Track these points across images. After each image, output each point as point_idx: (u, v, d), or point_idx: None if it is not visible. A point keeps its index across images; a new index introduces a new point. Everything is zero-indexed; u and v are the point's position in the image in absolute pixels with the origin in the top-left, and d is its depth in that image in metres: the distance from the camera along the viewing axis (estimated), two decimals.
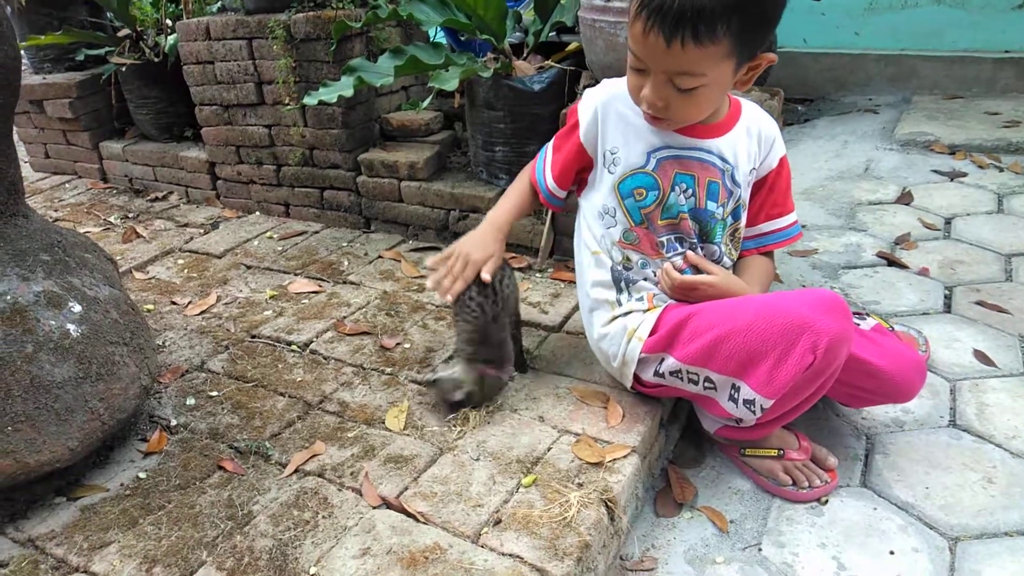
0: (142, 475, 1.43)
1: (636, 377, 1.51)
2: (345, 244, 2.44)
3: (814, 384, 1.32)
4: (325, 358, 1.79)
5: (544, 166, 1.59)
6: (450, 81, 1.92)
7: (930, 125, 3.47)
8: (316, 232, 2.57)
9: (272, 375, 1.73)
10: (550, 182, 1.57)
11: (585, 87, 2.13)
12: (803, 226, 2.69)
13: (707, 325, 1.35)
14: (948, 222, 2.69)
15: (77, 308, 1.35)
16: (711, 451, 1.65)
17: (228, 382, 1.72)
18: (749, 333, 1.29)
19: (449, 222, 2.36)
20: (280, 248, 2.45)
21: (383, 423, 1.54)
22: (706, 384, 1.39)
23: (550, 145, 1.59)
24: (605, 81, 1.52)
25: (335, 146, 2.47)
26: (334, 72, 2.31)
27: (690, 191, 1.45)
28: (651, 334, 1.43)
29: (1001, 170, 3.08)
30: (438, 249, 2.36)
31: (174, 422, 1.59)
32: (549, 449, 1.44)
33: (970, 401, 1.75)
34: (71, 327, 1.33)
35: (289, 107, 2.34)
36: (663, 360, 1.43)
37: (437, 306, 2.01)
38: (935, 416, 1.71)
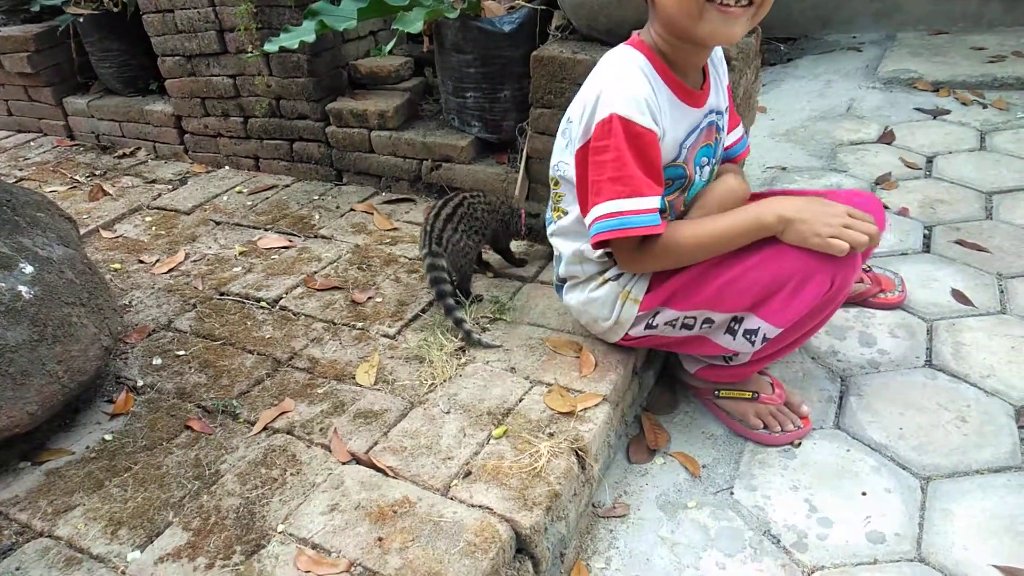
0: (108, 437, 1.41)
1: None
2: (316, 197, 2.39)
3: (823, 312, 1.34)
4: (295, 314, 1.76)
5: (639, 198, 1.26)
6: (414, 22, 1.84)
7: (914, 62, 3.40)
8: (287, 186, 2.51)
9: (241, 333, 1.70)
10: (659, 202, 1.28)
11: (558, 27, 2.06)
12: (783, 168, 2.65)
13: (713, 273, 1.31)
14: (930, 161, 2.65)
15: (28, 269, 1.31)
16: (685, 397, 1.64)
17: (196, 341, 1.68)
18: (762, 267, 1.27)
19: (422, 172, 2.31)
20: (250, 203, 2.39)
21: (353, 378, 1.52)
22: (704, 325, 1.38)
23: (612, 178, 1.25)
24: (614, 87, 1.24)
25: (302, 95, 2.40)
26: (297, 17, 2.22)
27: (710, 162, 1.42)
28: (647, 292, 1.41)
29: (984, 106, 3.03)
30: (411, 201, 2.31)
31: (140, 382, 1.56)
32: (520, 400, 1.42)
33: (946, 341, 1.74)
34: (23, 289, 1.29)
35: (252, 55, 2.25)
36: (657, 313, 1.41)
37: (410, 259, 1.97)
38: (911, 357, 1.71)
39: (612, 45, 1.94)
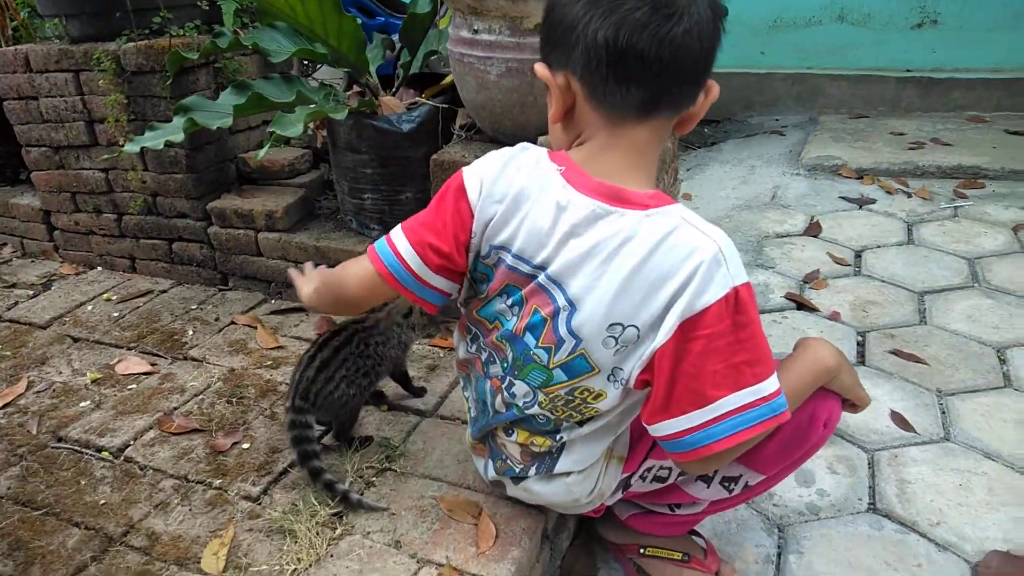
0: None
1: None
2: (195, 306, 2.11)
3: (811, 455, 1.20)
4: (141, 468, 1.47)
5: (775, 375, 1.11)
6: (294, 126, 1.63)
7: (837, 148, 3.37)
8: (164, 291, 2.22)
9: (70, 497, 1.40)
10: None
11: (462, 126, 1.88)
12: None
13: None
14: (858, 255, 2.56)
15: None
16: (605, 560, 1.41)
17: (12, 510, 1.38)
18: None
19: None
20: (117, 313, 2.10)
21: (199, 563, 1.24)
22: (680, 474, 1.19)
23: (750, 360, 1.06)
24: (729, 252, 0.95)
25: (181, 192, 2.14)
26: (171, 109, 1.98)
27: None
28: (631, 449, 1.20)
29: (909, 195, 2.99)
30: (304, 311, 2.06)
31: None
32: None
33: (890, 478, 1.57)
34: None
35: (118, 151, 2.00)
36: (639, 470, 1.21)
37: None
38: (853, 499, 1.52)
39: None
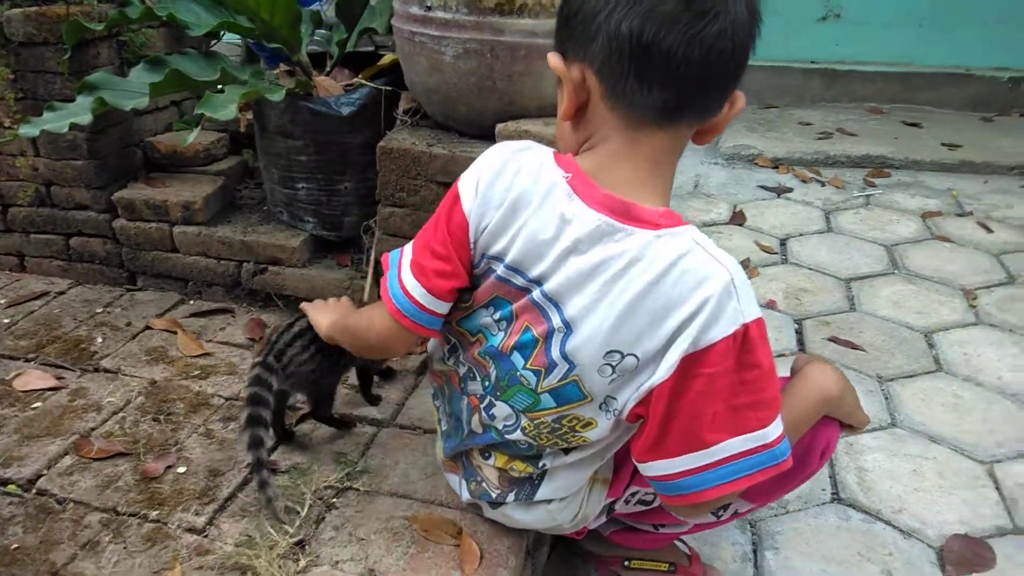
0: None
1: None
2: (100, 309, 1.88)
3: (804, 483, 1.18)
4: (60, 501, 1.28)
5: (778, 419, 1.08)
6: (224, 107, 1.45)
7: (751, 138, 3.45)
8: (62, 292, 1.97)
9: None
10: None
11: (406, 110, 1.75)
12: None
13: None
14: (783, 243, 2.61)
15: None
16: (586, 571, 1.35)
17: None
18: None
19: (242, 276, 1.88)
20: (8, 319, 1.84)
21: None
22: None
23: (754, 402, 0.98)
24: (743, 284, 0.88)
25: (80, 181, 1.90)
26: (69, 88, 1.74)
27: None
28: (615, 473, 1.13)
29: (823, 184, 3.10)
30: (229, 312, 1.87)
31: None
32: None
33: (849, 467, 1.59)
34: None
35: (9, 134, 1.74)
36: (623, 495, 1.15)
37: (226, 399, 1.55)
38: (817, 490, 1.54)
39: (472, 136, 1.68)
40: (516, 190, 0.92)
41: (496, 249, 0.94)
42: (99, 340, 1.74)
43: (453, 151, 1.57)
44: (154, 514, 1.25)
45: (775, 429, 0.89)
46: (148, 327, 1.79)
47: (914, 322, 2.13)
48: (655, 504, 1.15)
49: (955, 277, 2.36)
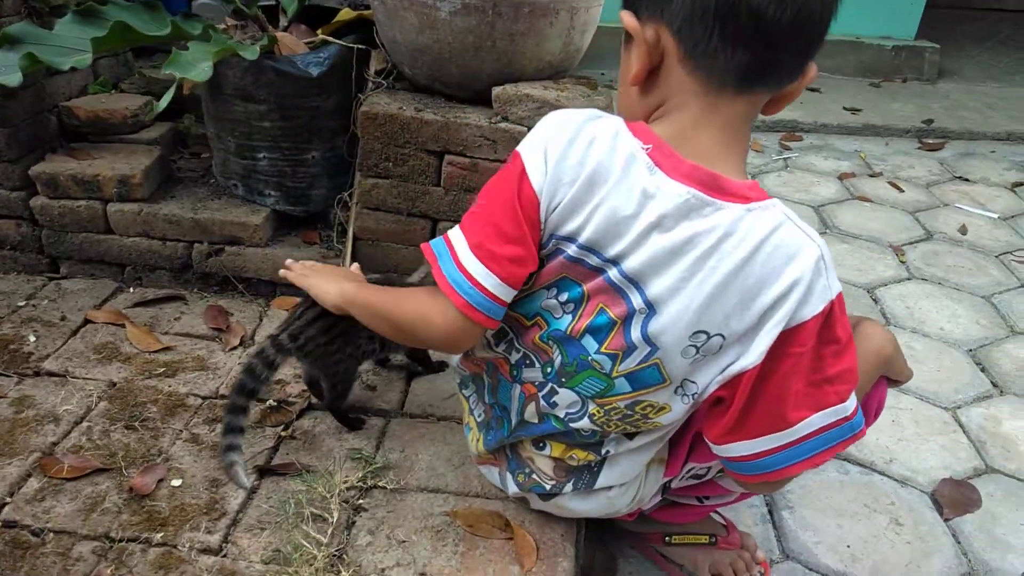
0: None
1: None
2: (23, 303, 1.62)
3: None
4: (36, 533, 1.09)
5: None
6: (195, 67, 1.26)
7: None
8: None
9: None
10: None
11: (378, 71, 1.61)
12: None
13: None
14: None
15: None
16: (621, 552, 1.33)
17: None
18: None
19: (193, 259, 1.68)
20: None
21: None
22: (719, 471, 1.09)
23: (843, 371, 1.01)
24: (828, 254, 0.86)
25: None
26: None
27: None
28: (670, 452, 1.09)
29: None
30: (180, 299, 1.67)
31: None
32: None
33: None
34: None
35: None
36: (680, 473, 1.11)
37: (203, 398, 1.38)
38: None
39: (461, 100, 1.56)
40: (591, 164, 0.85)
41: (569, 229, 0.87)
42: (32, 339, 1.50)
43: (446, 117, 1.46)
44: (158, 536, 1.09)
45: (852, 401, 0.89)
46: (88, 320, 1.56)
47: (856, 279, 2.24)
48: (707, 477, 1.13)
49: (882, 235, 2.51)
